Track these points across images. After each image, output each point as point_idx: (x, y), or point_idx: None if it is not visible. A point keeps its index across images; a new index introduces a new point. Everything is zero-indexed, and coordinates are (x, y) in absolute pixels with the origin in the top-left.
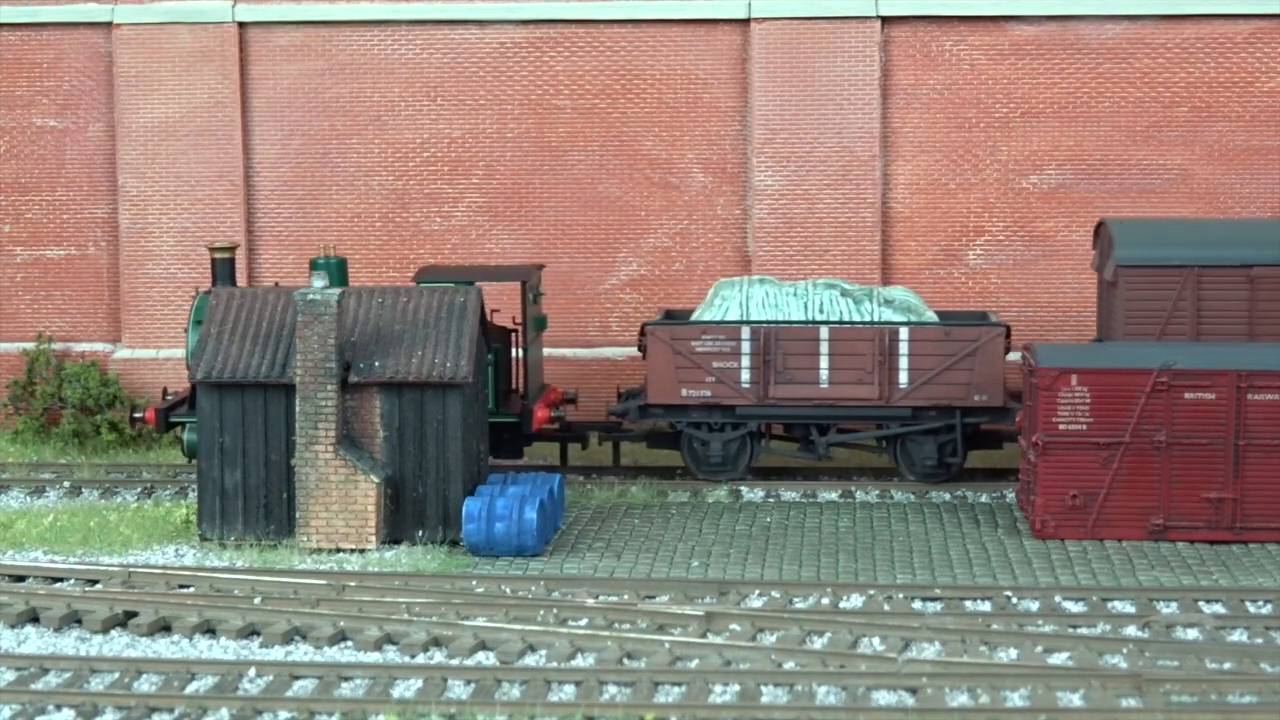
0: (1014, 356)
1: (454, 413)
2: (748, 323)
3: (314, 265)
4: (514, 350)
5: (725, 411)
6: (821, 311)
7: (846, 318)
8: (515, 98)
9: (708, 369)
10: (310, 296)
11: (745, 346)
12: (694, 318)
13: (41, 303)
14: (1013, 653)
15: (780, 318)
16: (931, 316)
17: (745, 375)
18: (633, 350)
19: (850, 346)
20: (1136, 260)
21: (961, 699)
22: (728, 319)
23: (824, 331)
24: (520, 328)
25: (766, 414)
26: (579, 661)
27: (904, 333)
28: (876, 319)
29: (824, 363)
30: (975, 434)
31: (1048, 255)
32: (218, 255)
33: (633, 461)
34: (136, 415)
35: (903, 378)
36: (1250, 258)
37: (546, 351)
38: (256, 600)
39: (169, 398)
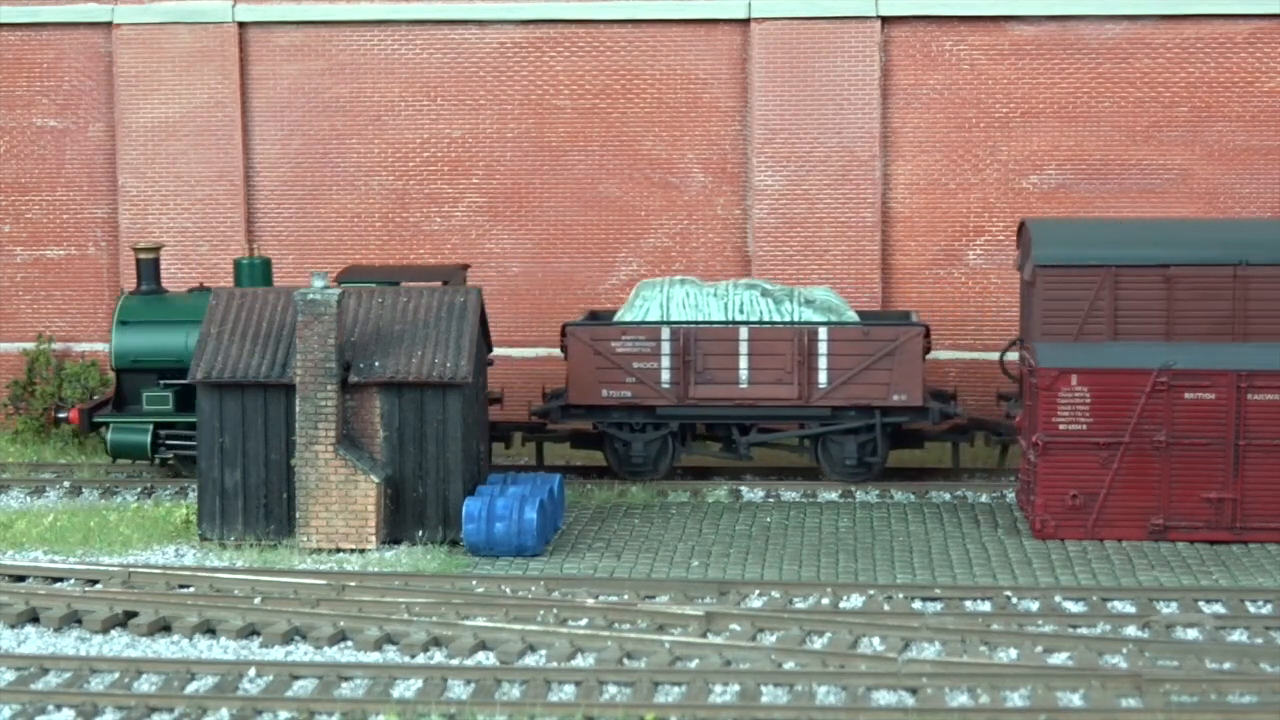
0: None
1: (454, 413)
2: (667, 323)
3: (237, 265)
4: None
5: (646, 412)
6: (741, 312)
7: (766, 318)
8: (515, 98)
9: (628, 369)
10: (310, 296)
11: (665, 347)
12: (616, 319)
13: (41, 303)
14: (1013, 653)
15: (701, 318)
16: (852, 316)
17: (665, 376)
18: None
19: (769, 347)
20: (1054, 260)
21: (961, 699)
22: (648, 319)
23: (743, 332)
24: None
25: (686, 414)
26: (579, 661)
27: (823, 332)
28: (796, 319)
29: (743, 363)
30: (897, 433)
31: None
32: (142, 255)
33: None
34: (60, 415)
35: (822, 377)
36: (1167, 257)
37: (548, 352)
38: (256, 600)
39: (95, 397)
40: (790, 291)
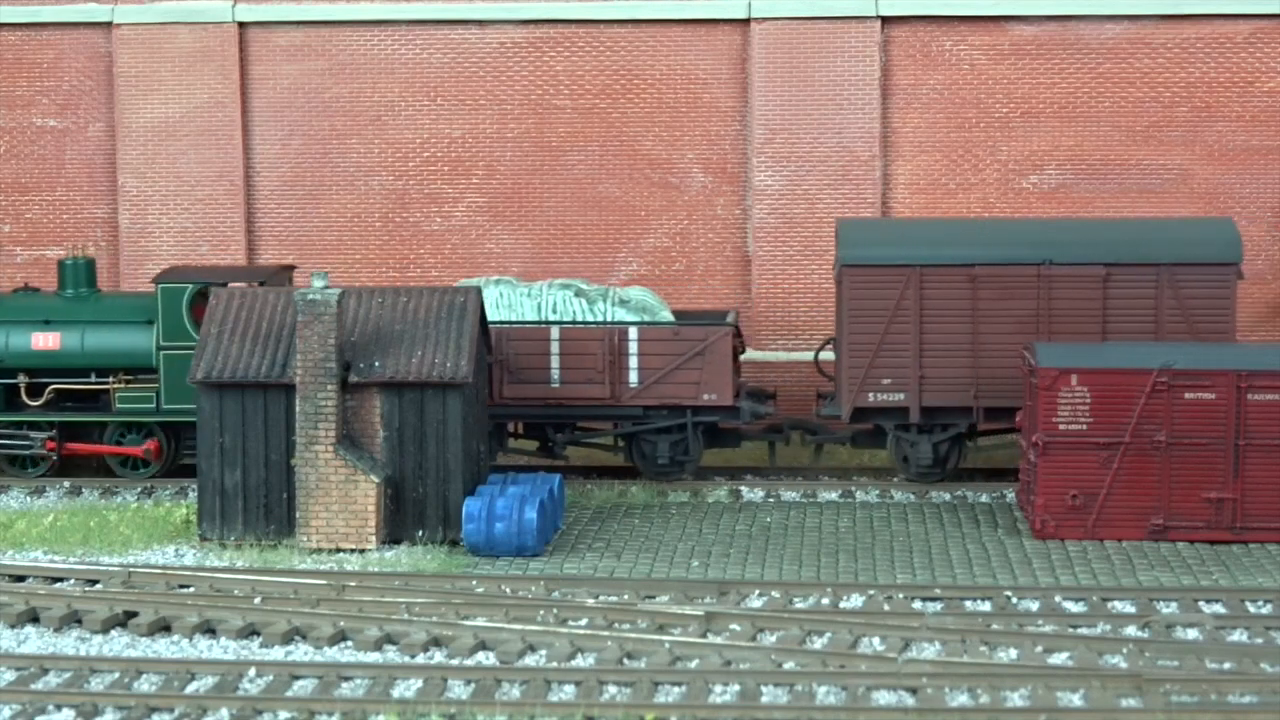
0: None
1: (454, 413)
2: None
3: (61, 265)
4: None
5: None
6: (555, 312)
7: (579, 318)
8: (515, 98)
9: None
10: (310, 296)
11: None
12: None
13: None
14: (1013, 653)
15: (514, 319)
16: (667, 316)
17: None
18: None
19: (580, 346)
20: (859, 260)
21: (961, 699)
22: None
23: (554, 332)
24: None
25: (500, 413)
26: (579, 661)
27: (633, 332)
28: (609, 319)
29: (555, 363)
30: (714, 432)
31: None
32: None
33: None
34: None
35: (632, 377)
36: (971, 257)
37: None
38: (256, 600)
39: None
40: (605, 291)
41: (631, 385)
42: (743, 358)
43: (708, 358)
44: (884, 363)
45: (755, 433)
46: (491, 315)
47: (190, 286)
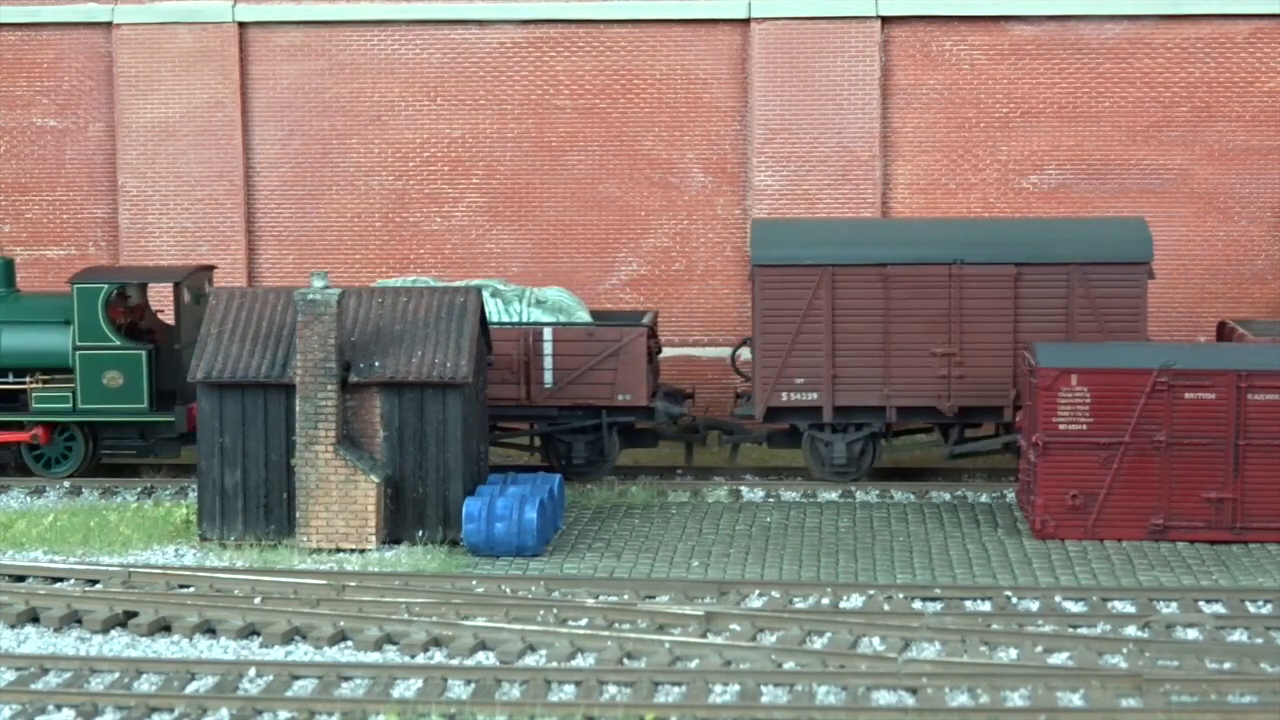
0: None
1: (454, 413)
2: None
3: None
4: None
5: None
6: None
7: (495, 318)
8: (515, 98)
9: None
10: (310, 296)
11: None
12: None
13: None
14: (1013, 653)
15: None
16: (584, 317)
17: None
18: None
19: (495, 347)
20: (771, 260)
21: (961, 699)
22: None
23: None
24: (176, 327)
25: None
26: (579, 661)
27: (547, 333)
28: (524, 319)
29: None
30: (631, 432)
31: None
32: None
33: (632, 461)
34: None
35: (547, 377)
36: (883, 256)
37: None
38: (256, 600)
39: None
40: (522, 292)
41: (546, 386)
42: (742, 358)
43: (622, 358)
44: (797, 362)
45: (671, 433)
46: None
47: (106, 287)
